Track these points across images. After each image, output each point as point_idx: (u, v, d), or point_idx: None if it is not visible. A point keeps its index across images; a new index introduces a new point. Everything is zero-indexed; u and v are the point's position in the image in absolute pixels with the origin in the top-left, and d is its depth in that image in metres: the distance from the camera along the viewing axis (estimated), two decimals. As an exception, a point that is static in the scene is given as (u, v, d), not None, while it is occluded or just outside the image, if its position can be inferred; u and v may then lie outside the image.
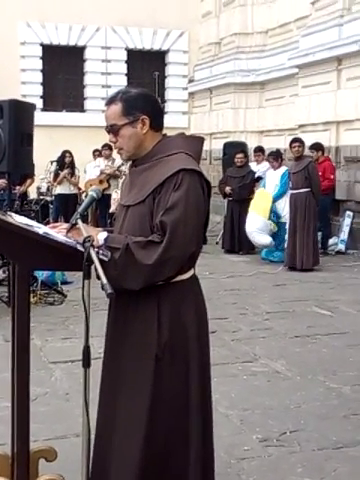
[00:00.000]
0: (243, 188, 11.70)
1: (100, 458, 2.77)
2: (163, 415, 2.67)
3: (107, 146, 11.95)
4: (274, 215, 10.72)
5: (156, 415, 2.65)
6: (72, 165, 12.82)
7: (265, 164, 12.35)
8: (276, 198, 10.68)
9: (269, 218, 10.62)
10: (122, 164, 11.78)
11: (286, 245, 10.26)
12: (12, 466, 2.92)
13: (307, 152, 10.85)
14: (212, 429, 2.85)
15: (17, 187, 9.21)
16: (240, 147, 12.81)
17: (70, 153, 12.80)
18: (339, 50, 11.93)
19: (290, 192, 10.23)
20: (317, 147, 11.28)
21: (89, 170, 13.52)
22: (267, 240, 10.65)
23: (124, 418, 2.69)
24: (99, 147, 13.37)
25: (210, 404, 2.84)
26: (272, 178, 10.96)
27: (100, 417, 2.80)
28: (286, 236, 10.29)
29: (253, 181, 11.82)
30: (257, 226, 10.61)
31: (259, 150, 12.89)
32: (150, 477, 2.66)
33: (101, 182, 12.49)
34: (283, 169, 10.76)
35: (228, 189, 11.76)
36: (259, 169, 12.32)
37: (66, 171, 12.72)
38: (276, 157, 10.92)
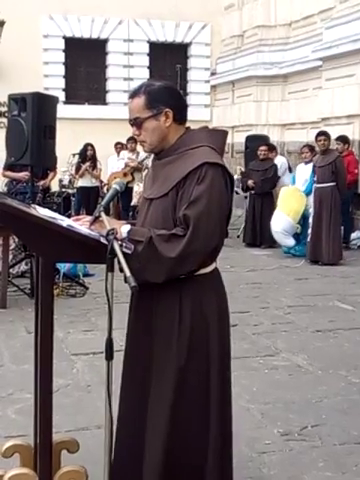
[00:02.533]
0: (265, 182, 11.65)
1: (122, 449, 2.78)
2: (184, 408, 2.67)
3: (132, 139, 11.90)
4: (302, 218, 10.55)
5: (178, 409, 2.66)
6: (94, 158, 12.84)
7: (280, 159, 12.31)
8: (306, 194, 10.52)
9: (299, 221, 10.51)
10: (146, 157, 11.80)
11: (308, 239, 10.20)
12: (35, 457, 2.95)
13: (335, 145, 10.76)
14: (231, 423, 2.85)
15: (41, 182, 9.25)
16: (262, 140, 12.75)
17: (92, 146, 12.83)
18: (363, 43, 11.82)
19: (315, 186, 10.15)
20: (343, 140, 11.19)
21: (111, 163, 13.54)
22: (291, 242, 10.57)
23: (148, 411, 2.70)
24: (121, 140, 13.38)
25: (230, 397, 2.84)
26: (303, 173, 10.75)
27: (122, 409, 2.81)
28: (309, 230, 10.22)
29: (276, 174, 11.75)
30: (284, 227, 10.46)
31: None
32: (173, 468, 2.66)
33: (125, 175, 12.51)
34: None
35: (251, 182, 11.72)
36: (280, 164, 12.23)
37: (88, 164, 12.75)
38: (311, 149, 10.78)
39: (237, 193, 11.68)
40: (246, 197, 12.34)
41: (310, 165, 10.53)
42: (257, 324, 6.52)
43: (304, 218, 10.57)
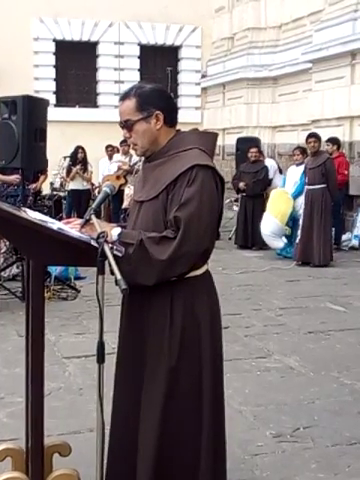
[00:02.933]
0: (257, 183, 11.66)
1: (115, 452, 2.78)
2: (176, 410, 2.67)
3: (125, 142, 11.89)
4: (291, 220, 10.60)
5: (170, 411, 2.66)
6: (85, 161, 12.84)
7: (269, 161, 12.34)
8: (295, 197, 10.57)
9: (286, 224, 10.54)
10: (139, 160, 11.79)
11: (298, 240, 10.21)
12: (27, 461, 2.94)
13: (325, 147, 10.80)
14: (224, 424, 2.85)
15: (32, 185, 9.23)
16: (253, 142, 12.77)
17: (83, 149, 12.83)
18: (353, 45, 11.86)
19: (306, 188, 10.17)
20: (334, 141, 11.22)
21: (102, 166, 13.54)
22: (280, 244, 10.62)
23: (139, 414, 2.70)
24: (112, 143, 13.38)
25: (222, 399, 2.84)
26: (293, 175, 10.78)
27: (115, 412, 2.81)
28: (299, 231, 10.25)
29: (267, 176, 11.77)
30: (272, 230, 10.50)
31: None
32: (164, 471, 2.67)
33: (118, 178, 12.49)
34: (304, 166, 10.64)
35: (242, 185, 11.72)
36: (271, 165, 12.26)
37: (78, 167, 12.74)
38: (303, 151, 10.79)
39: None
40: (234, 202, 12.42)
41: (301, 167, 10.55)
42: (249, 326, 6.53)
43: (294, 220, 10.61)
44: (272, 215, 10.53)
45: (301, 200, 10.48)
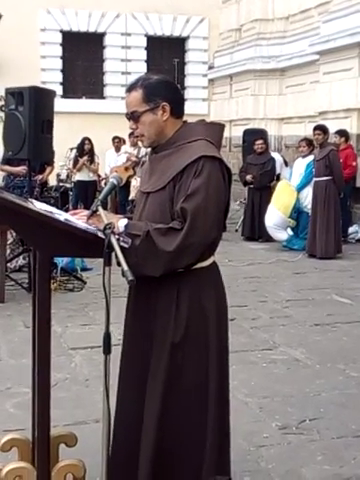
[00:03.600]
0: (264, 175, 11.64)
1: (121, 443, 2.78)
2: (179, 401, 2.68)
3: (133, 134, 11.83)
4: (296, 211, 10.60)
5: (170, 401, 2.66)
6: (91, 152, 12.84)
7: (274, 155, 12.29)
8: (299, 189, 10.59)
9: (289, 216, 10.54)
10: (147, 153, 11.76)
11: (308, 233, 10.22)
12: (33, 451, 2.95)
13: (333, 139, 10.76)
14: (229, 417, 2.85)
15: (38, 176, 9.24)
16: (260, 134, 12.73)
17: (89, 140, 12.82)
18: (361, 36, 11.80)
19: (313, 180, 10.17)
20: (342, 133, 11.18)
21: (109, 157, 13.53)
22: (284, 236, 10.66)
23: (143, 404, 2.71)
24: (119, 134, 13.38)
25: (227, 391, 2.84)
26: (298, 167, 10.80)
27: (120, 403, 2.81)
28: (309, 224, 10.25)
29: (273, 168, 11.75)
30: (275, 222, 10.56)
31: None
32: (164, 463, 2.67)
33: (127, 169, 12.49)
34: (310, 158, 10.63)
35: (249, 177, 11.70)
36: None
37: (85, 158, 12.74)
38: (309, 143, 10.75)
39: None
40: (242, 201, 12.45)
41: (307, 159, 10.55)
42: (255, 318, 6.53)
43: (299, 212, 10.61)
44: (275, 207, 10.58)
45: (306, 192, 10.48)
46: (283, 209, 10.48)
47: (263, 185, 11.59)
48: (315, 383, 4.79)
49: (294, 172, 10.90)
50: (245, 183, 11.91)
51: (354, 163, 11.38)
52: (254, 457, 3.66)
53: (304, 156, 10.71)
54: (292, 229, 10.73)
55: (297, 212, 10.62)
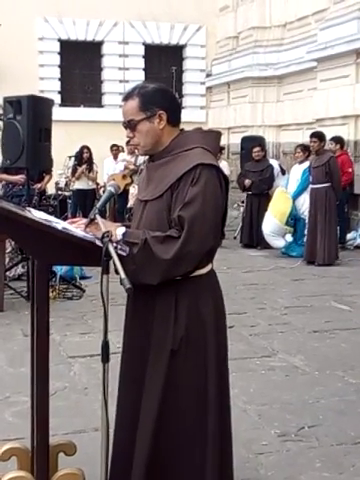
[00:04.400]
0: (262, 182, 11.67)
1: (120, 452, 2.78)
2: (177, 409, 2.67)
3: (130, 142, 11.87)
4: (293, 218, 10.64)
5: (168, 409, 2.66)
6: (90, 160, 12.86)
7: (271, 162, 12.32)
8: (296, 195, 10.63)
9: (286, 223, 10.57)
10: (145, 161, 11.79)
11: (305, 240, 10.24)
12: (32, 460, 2.94)
13: (328, 145, 10.79)
14: (231, 423, 2.85)
15: (37, 185, 9.25)
16: (258, 141, 12.76)
17: (88, 148, 12.84)
18: (358, 43, 11.85)
19: (310, 187, 10.19)
20: (337, 140, 11.21)
21: (107, 165, 13.55)
22: (281, 243, 10.74)
23: (142, 412, 2.71)
24: (117, 142, 13.39)
25: (228, 398, 2.84)
26: (295, 173, 10.87)
27: (119, 411, 2.81)
28: (306, 231, 10.27)
29: (272, 175, 11.77)
30: (271, 229, 10.64)
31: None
32: (160, 467, 2.67)
33: (124, 177, 12.49)
34: (306, 164, 10.67)
35: (248, 182, 11.71)
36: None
37: (84, 166, 12.76)
38: (304, 149, 10.79)
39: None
40: (240, 204, 12.47)
41: (303, 165, 10.61)
42: (254, 325, 6.53)
43: (296, 219, 10.64)
44: (272, 215, 10.67)
45: (302, 199, 10.52)
46: (279, 216, 10.55)
47: (261, 191, 11.61)
48: (314, 390, 4.79)
49: (291, 178, 10.95)
50: (244, 188, 11.92)
51: (350, 169, 11.42)
52: (253, 465, 3.66)
53: (300, 162, 10.77)
54: (292, 235, 10.77)
55: (294, 219, 10.65)
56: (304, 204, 10.53)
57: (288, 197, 10.62)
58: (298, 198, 10.63)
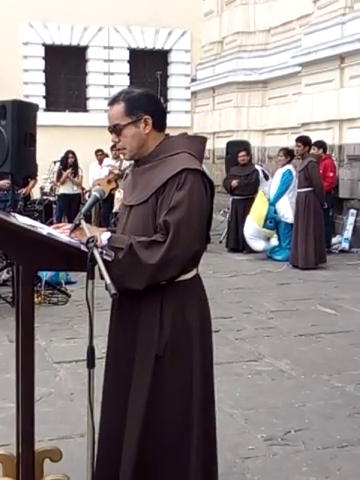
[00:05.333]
0: (248, 185, 11.69)
1: (105, 457, 2.77)
2: (163, 414, 2.67)
3: (115, 147, 11.81)
4: (272, 221, 10.72)
5: (154, 414, 2.65)
6: (75, 165, 12.84)
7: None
8: (274, 199, 10.70)
9: (263, 225, 10.65)
10: (130, 165, 11.77)
11: (291, 244, 10.29)
12: (17, 467, 2.93)
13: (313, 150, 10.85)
14: (215, 428, 2.85)
15: (22, 190, 9.21)
16: (243, 146, 12.79)
17: (73, 153, 12.83)
18: (342, 48, 11.91)
19: (297, 191, 10.26)
20: (319, 144, 11.26)
21: (92, 170, 13.54)
22: (260, 246, 10.82)
23: (128, 418, 2.70)
24: (102, 147, 13.38)
25: (213, 403, 2.84)
26: (276, 177, 10.96)
27: (104, 417, 2.80)
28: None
29: (257, 180, 11.81)
30: (250, 232, 10.79)
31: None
32: (146, 474, 2.66)
33: (109, 182, 12.49)
34: (285, 168, 10.75)
35: (235, 182, 11.71)
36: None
37: (69, 171, 12.74)
38: (287, 153, 10.85)
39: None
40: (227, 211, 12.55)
41: (281, 170, 10.70)
42: (240, 329, 6.53)
43: (277, 222, 10.69)
44: (251, 218, 10.81)
45: (282, 202, 10.58)
46: (257, 219, 10.68)
47: (247, 195, 11.61)
48: (300, 394, 4.80)
49: (273, 182, 11.04)
50: (230, 190, 11.92)
51: (331, 174, 11.44)
52: (240, 469, 3.66)
53: (282, 165, 10.83)
54: (278, 239, 10.84)
55: (274, 222, 10.73)
56: (284, 207, 10.60)
57: (265, 200, 10.76)
58: (278, 201, 10.70)
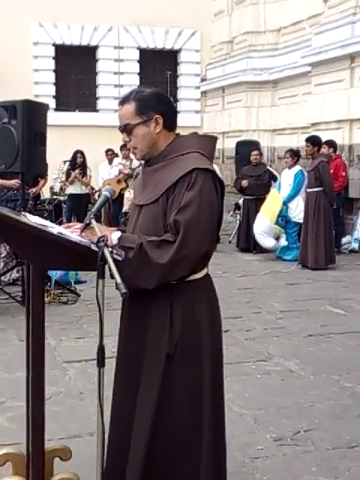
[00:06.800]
0: (260, 186, 11.66)
1: (115, 457, 2.78)
2: (173, 414, 2.67)
3: (125, 147, 11.74)
4: (283, 219, 10.71)
5: (164, 413, 2.65)
6: (84, 165, 12.84)
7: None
8: (288, 199, 10.69)
9: (276, 222, 10.63)
10: (140, 165, 11.80)
11: (301, 244, 10.27)
12: (27, 465, 2.93)
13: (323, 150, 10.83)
14: (225, 427, 2.85)
15: (32, 189, 9.23)
16: (253, 146, 12.76)
17: (82, 153, 12.83)
18: (352, 48, 11.88)
19: (307, 191, 10.25)
20: (330, 144, 11.23)
21: (102, 170, 13.55)
22: (270, 243, 10.78)
23: (137, 417, 2.70)
24: (112, 147, 13.39)
25: (223, 403, 2.84)
26: (286, 178, 10.95)
27: (114, 416, 2.81)
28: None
29: (269, 180, 11.79)
30: (262, 229, 10.73)
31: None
32: (155, 473, 2.66)
33: (119, 182, 12.51)
34: (297, 168, 10.74)
35: (245, 182, 11.68)
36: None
37: (77, 171, 12.75)
38: (293, 154, 10.86)
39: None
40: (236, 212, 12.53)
41: (293, 170, 10.71)
42: (249, 329, 6.53)
43: (287, 221, 10.68)
44: (263, 214, 10.78)
45: (296, 202, 10.57)
46: (270, 215, 10.66)
47: (258, 195, 11.58)
48: (309, 394, 4.79)
49: (283, 183, 11.02)
50: (241, 189, 11.90)
51: (344, 173, 11.43)
52: (249, 469, 3.65)
53: (290, 167, 10.82)
54: (286, 239, 10.82)
55: (284, 220, 10.72)
56: (297, 208, 10.58)
57: (278, 196, 10.78)
58: (291, 202, 10.70)
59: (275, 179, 11.99)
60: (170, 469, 2.69)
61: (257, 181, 11.70)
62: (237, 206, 12.59)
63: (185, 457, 2.69)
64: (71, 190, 12.94)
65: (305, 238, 10.04)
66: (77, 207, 12.85)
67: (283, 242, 10.90)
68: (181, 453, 2.69)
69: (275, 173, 12.26)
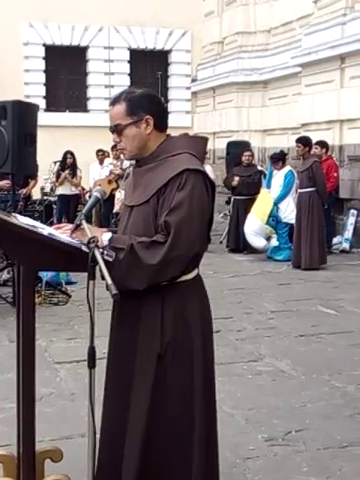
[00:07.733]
0: (250, 186, 11.66)
1: (106, 458, 2.77)
2: (165, 414, 2.67)
3: (116, 147, 11.76)
4: (274, 219, 10.73)
5: (157, 414, 2.65)
6: (74, 166, 12.82)
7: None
8: (279, 200, 10.72)
9: (266, 222, 10.65)
10: (130, 165, 11.79)
11: (293, 244, 10.29)
12: (18, 467, 2.92)
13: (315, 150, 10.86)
14: (216, 428, 2.85)
15: (22, 190, 9.22)
16: (244, 146, 12.78)
17: (72, 154, 12.82)
18: (342, 49, 11.91)
19: (298, 191, 10.27)
20: (322, 144, 11.26)
21: (93, 170, 13.53)
22: (261, 243, 10.79)
23: (128, 418, 2.70)
24: (102, 147, 13.38)
25: (214, 403, 2.84)
26: (276, 178, 10.98)
27: (106, 417, 2.80)
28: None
29: (260, 180, 11.81)
30: (253, 228, 10.74)
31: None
32: (149, 474, 2.66)
33: (110, 182, 12.48)
34: (286, 169, 10.77)
35: (236, 179, 11.67)
36: None
37: (67, 172, 12.73)
38: (276, 160, 10.94)
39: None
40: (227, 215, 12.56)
41: (283, 171, 10.76)
42: (240, 330, 6.53)
43: (278, 221, 10.70)
44: (254, 214, 10.78)
45: (286, 203, 10.60)
46: (261, 215, 10.68)
47: (248, 194, 11.57)
48: (300, 394, 4.80)
49: (273, 184, 11.03)
50: (231, 188, 11.90)
51: (335, 174, 11.48)
52: (240, 469, 3.65)
53: (279, 169, 10.87)
54: (278, 240, 10.84)
55: (275, 220, 10.74)
56: (288, 208, 10.61)
57: (269, 196, 10.79)
58: (281, 202, 10.73)
59: (265, 176, 12.01)
60: (164, 470, 2.69)
61: (248, 180, 11.70)
62: (228, 201, 12.58)
63: (178, 458, 2.69)
64: (61, 191, 12.92)
65: (298, 238, 10.05)
66: (67, 208, 12.83)
67: (274, 242, 10.92)
68: (174, 454, 2.69)
69: (265, 171, 12.29)
